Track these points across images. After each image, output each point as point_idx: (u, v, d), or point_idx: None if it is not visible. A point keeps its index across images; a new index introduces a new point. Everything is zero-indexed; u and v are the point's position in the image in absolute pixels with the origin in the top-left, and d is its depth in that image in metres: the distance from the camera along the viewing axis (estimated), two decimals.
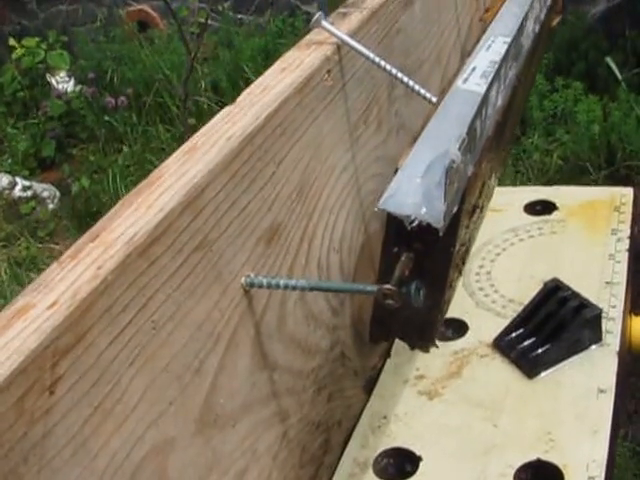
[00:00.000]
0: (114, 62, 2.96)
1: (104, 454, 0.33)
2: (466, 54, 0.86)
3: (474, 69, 0.49)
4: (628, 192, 0.76)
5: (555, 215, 0.75)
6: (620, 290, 0.64)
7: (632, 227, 0.71)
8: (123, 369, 0.34)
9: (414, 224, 0.34)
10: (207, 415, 0.40)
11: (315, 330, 0.51)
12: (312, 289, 0.41)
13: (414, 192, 0.34)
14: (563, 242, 0.71)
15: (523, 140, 2.19)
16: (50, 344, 0.30)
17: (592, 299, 0.61)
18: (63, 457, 0.31)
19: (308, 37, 0.55)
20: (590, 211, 0.74)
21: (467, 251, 0.49)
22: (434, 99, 0.54)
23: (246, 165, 0.43)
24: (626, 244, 0.69)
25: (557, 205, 0.76)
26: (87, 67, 2.98)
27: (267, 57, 2.74)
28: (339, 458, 0.56)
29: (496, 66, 0.46)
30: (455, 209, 0.36)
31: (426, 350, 0.44)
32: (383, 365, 0.63)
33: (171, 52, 2.88)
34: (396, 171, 0.38)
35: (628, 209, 0.73)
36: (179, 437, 0.38)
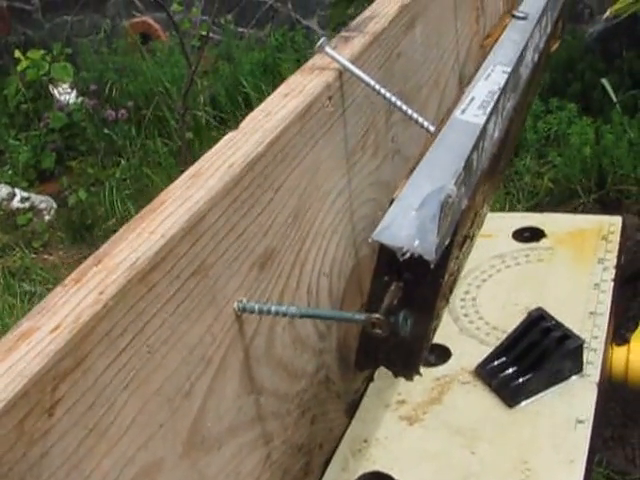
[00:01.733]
0: (116, 74, 2.99)
1: (96, 475, 0.33)
2: (465, 77, 0.87)
3: (472, 99, 0.50)
4: (617, 221, 0.78)
5: (543, 242, 0.76)
6: (603, 321, 0.65)
7: (619, 256, 0.73)
8: (118, 392, 0.35)
9: (406, 256, 0.35)
10: (194, 437, 0.41)
11: (302, 354, 0.52)
12: (302, 316, 0.42)
13: (409, 225, 0.35)
14: (549, 270, 0.72)
15: (515, 162, 2.21)
16: (52, 368, 0.31)
17: (575, 329, 0.62)
18: (58, 477, 0.31)
19: (312, 61, 0.56)
20: (578, 239, 0.76)
21: (455, 280, 0.51)
22: (432, 128, 0.55)
23: (246, 191, 0.44)
24: (612, 273, 0.71)
25: (545, 232, 0.77)
26: (89, 79, 3.02)
27: (265, 71, 2.76)
28: None
29: (495, 97, 0.47)
30: (447, 242, 0.37)
31: (410, 379, 0.45)
32: (366, 389, 0.64)
33: (172, 65, 2.91)
34: (391, 202, 0.40)
35: (616, 238, 0.75)
36: (167, 459, 0.39)
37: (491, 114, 0.44)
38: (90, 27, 3.38)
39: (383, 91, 0.54)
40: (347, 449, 0.59)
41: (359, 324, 0.37)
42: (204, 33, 2.42)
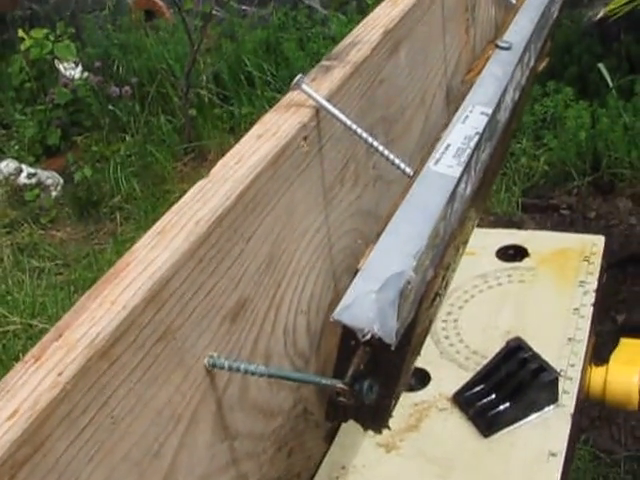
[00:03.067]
0: (120, 50, 2.99)
1: None
2: (452, 90, 0.86)
3: (448, 147, 0.50)
4: (599, 241, 0.78)
5: (525, 262, 0.76)
6: (581, 347, 0.66)
7: (600, 279, 0.73)
8: (82, 466, 0.35)
9: (367, 337, 0.35)
10: None
11: (278, 392, 0.53)
12: (270, 376, 0.42)
13: (369, 307, 0.36)
14: (530, 292, 0.73)
15: (512, 143, 2.20)
16: (8, 458, 0.31)
17: (553, 355, 0.63)
18: None
19: (288, 97, 0.56)
20: (561, 260, 0.76)
21: (427, 331, 0.51)
22: (410, 172, 0.54)
23: (214, 248, 0.43)
24: (592, 297, 0.71)
25: (529, 251, 0.77)
26: (94, 55, 3.01)
27: (268, 50, 2.75)
28: None
29: (468, 151, 0.47)
30: (410, 319, 0.37)
31: (379, 432, 0.46)
32: None
33: (176, 42, 2.91)
34: (356, 272, 0.40)
35: (597, 260, 0.75)
36: None
37: (463, 173, 0.43)
38: (94, 3, 3.37)
39: (359, 131, 0.54)
40: (325, 476, 0.60)
41: (325, 388, 0.37)
42: (207, 11, 2.40)
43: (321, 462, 0.61)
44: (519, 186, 2.12)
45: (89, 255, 2.31)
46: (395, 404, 0.45)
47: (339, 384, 0.37)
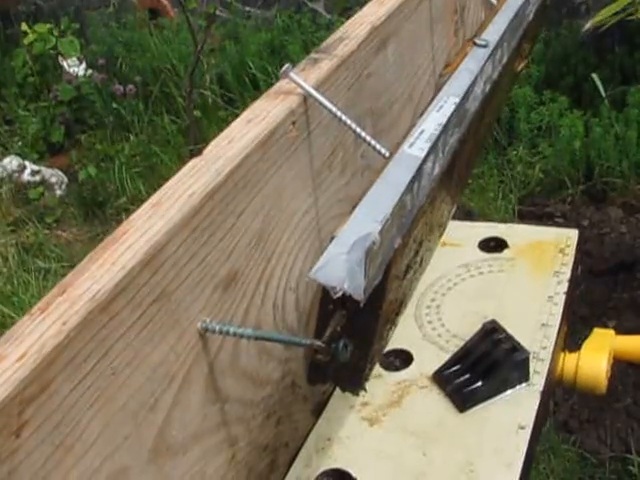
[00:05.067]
0: (124, 48, 3.00)
1: None
2: (440, 88, 0.90)
3: (422, 132, 0.54)
4: (573, 234, 0.82)
5: (505, 253, 0.80)
6: (552, 332, 0.69)
7: (573, 270, 0.77)
8: (83, 411, 0.38)
9: (338, 294, 0.39)
10: (160, 445, 0.45)
11: (267, 363, 0.56)
12: (257, 338, 0.46)
13: (340, 267, 0.39)
14: (509, 281, 0.76)
15: (509, 151, 2.25)
16: (17, 395, 0.34)
17: (527, 339, 0.67)
18: None
19: (277, 86, 0.59)
20: (537, 251, 0.79)
21: (402, 303, 0.54)
22: (387, 154, 0.58)
23: (206, 220, 0.47)
24: (565, 287, 0.75)
25: (508, 243, 0.81)
26: (98, 52, 3.03)
27: (272, 53, 2.76)
28: (284, 476, 0.61)
29: (434, 138, 0.50)
30: (379, 279, 0.41)
31: (356, 394, 0.49)
32: (334, 389, 0.68)
33: (180, 42, 2.92)
34: (332, 239, 0.43)
35: (571, 251, 0.79)
36: (133, 466, 0.43)
37: (429, 153, 0.47)
38: (99, 0, 3.38)
39: (344, 118, 0.57)
40: (312, 447, 0.63)
41: (304, 348, 0.41)
42: (211, 12, 2.42)
43: (308, 434, 0.64)
44: (515, 194, 2.15)
45: None
46: (371, 369, 0.49)
47: (317, 342, 0.40)
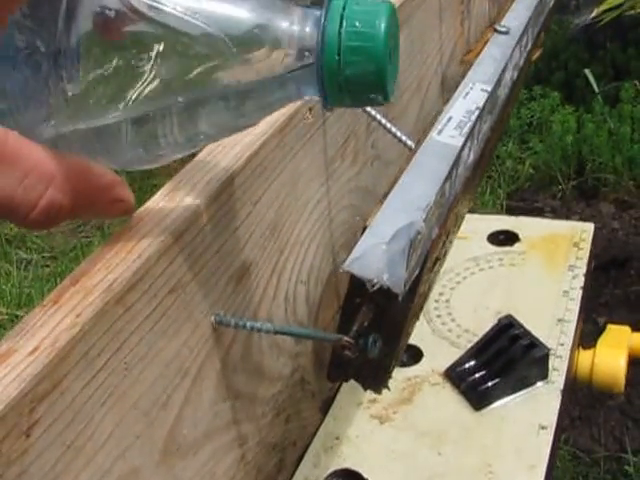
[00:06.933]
0: None
1: None
2: (447, 79, 0.88)
3: (450, 119, 0.52)
4: (589, 228, 0.80)
5: (517, 247, 0.78)
6: (570, 328, 0.68)
7: (589, 264, 0.75)
8: (95, 409, 0.36)
9: (375, 287, 0.37)
10: (171, 445, 0.42)
11: (278, 358, 0.54)
12: (277, 333, 0.43)
13: (379, 258, 0.37)
14: (521, 275, 0.74)
15: (498, 147, 2.23)
16: (29, 392, 0.32)
17: (543, 335, 0.65)
18: None
19: None
20: (551, 245, 0.78)
21: (426, 298, 0.52)
22: (410, 142, 0.56)
23: (224, 207, 0.45)
24: (581, 281, 0.73)
25: (520, 236, 0.79)
26: None
27: None
28: (292, 476, 0.59)
29: (470, 123, 0.49)
30: (417, 273, 0.39)
31: (378, 392, 0.47)
32: (340, 386, 0.66)
33: None
34: (364, 230, 0.41)
35: (587, 246, 0.77)
36: (144, 467, 0.40)
37: (466, 140, 0.45)
38: None
39: (368, 108, 0.55)
40: (320, 446, 0.61)
41: (331, 343, 0.39)
42: None
43: (316, 432, 0.62)
44: (504, 189, 2.15)
45: (76, 248, 2.30)
46: (395, 365, 0.47)
47: (345, 338, 0.38)
